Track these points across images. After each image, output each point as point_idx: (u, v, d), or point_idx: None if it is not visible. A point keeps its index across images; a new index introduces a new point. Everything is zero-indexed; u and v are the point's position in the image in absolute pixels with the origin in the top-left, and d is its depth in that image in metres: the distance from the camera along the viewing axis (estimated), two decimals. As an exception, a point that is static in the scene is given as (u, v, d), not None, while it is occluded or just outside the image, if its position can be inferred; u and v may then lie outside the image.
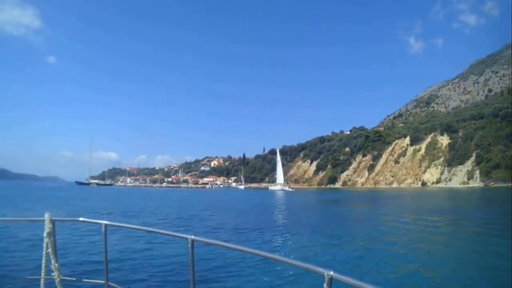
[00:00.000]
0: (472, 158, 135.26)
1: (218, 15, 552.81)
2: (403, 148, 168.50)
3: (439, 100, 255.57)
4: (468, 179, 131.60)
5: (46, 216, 4.15)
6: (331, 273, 2.25)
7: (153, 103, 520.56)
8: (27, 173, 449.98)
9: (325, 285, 2.26)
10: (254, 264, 13.37)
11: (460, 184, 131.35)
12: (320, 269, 2.33)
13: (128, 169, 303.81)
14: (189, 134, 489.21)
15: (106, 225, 4.27)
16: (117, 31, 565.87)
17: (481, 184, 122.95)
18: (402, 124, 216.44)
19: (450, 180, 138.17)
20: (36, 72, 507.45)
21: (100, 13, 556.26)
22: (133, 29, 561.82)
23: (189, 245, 3.37)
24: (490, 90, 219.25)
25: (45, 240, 4.10)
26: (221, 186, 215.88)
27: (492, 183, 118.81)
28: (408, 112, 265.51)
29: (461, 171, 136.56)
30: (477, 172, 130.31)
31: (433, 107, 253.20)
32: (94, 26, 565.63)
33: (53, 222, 4.20)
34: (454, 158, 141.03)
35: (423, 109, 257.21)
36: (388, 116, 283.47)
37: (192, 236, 3.38)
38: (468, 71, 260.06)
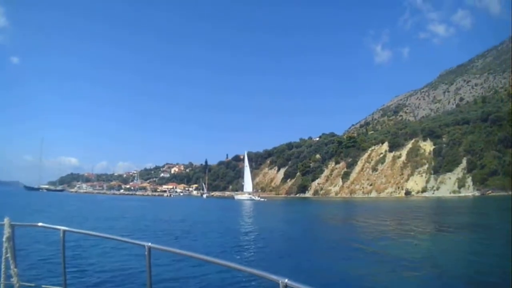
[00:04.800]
0: (463, 165, 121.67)
1: (181, 18, 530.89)
2: (381, 155, 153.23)
3: (407, 109, 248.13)
4: (459, 187, 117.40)
5: (6, 221, 4.06)
6: (286, 280, 2.23)
7: (114, 108, 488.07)
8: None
9: None
10: (210, 271, 13.35)
11: (450, 193, 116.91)
12: (275, 277, 2.32)
13: (86, 174, 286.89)
14: (150, 140, 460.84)
15: (64, 231, 4.21)
16: (80, 34, 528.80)
17: (476, 193, 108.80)
18: (372, 132, 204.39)
19: (437, 188, 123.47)
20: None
21: (56, 14, 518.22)
22: (93, 31, 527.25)
23: (146, 252, 3.39)
24: (461, 99, 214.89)
25: (5, 245, 4.03)
26: (181, 194, 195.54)
27: (490, 192, 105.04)
28: (375, 121, 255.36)
29: (450, 178, 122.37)
30: (469, 180, 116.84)
31: (401, 115, 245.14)
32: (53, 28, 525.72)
33: (12, 226, 4.12)
34: (441, 165, 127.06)
35: (390, 118, 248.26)
36: (353, 125, 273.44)
37: (149, 243, 3.39)
38: (437, 81, 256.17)
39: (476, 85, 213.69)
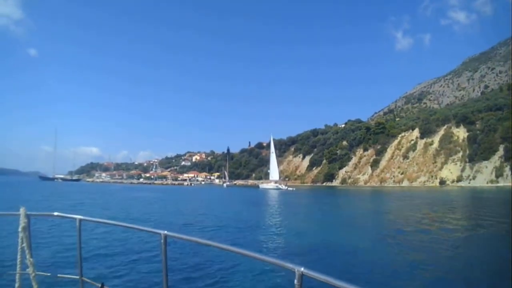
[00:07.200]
0: (499, 153, 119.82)
1: (200, 11, 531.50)
2: (412, 142, 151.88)
3: (431, 97, 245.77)
4: (497, 176, 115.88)
5: (21, 211, 4.09)
6: (302, 269, 2.22)
7: (136, 99, 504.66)
8: (9, 168, 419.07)
9: (295, 281, 2.23)
10: (227, 259, 13.54)
11: (487, 182, 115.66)
12: (291, 265, 2.31)
13: (105, 164, 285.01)
14: (172, 129, 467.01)
15: (80, 220, 4.25)
16: (98, 27, 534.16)
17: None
18: (398, 118, 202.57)
19: (474, 178, 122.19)
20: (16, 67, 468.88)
21: (81, 8, 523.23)
22: (115, 25, 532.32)
23: (162, 241, 3.41)
24: (486, 87, 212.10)
25: (20, 234, 4.04)
26: (203, 182, 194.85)
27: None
28: (399, 108, 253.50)
29: (487, 167, 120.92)
30: (507, 169, 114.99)
31: (425, 103, 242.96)
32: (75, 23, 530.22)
33: (28, 216, 4.14)
34: (477, 153, 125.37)
35: (414, 105, 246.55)
36: (376, 112, 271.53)
37: (165, 232, 3.40)
38: (461, 68, 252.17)
39: (500, 72, 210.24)
